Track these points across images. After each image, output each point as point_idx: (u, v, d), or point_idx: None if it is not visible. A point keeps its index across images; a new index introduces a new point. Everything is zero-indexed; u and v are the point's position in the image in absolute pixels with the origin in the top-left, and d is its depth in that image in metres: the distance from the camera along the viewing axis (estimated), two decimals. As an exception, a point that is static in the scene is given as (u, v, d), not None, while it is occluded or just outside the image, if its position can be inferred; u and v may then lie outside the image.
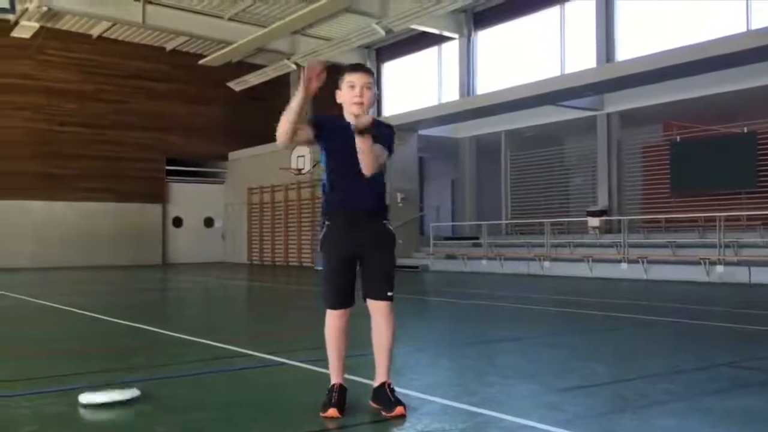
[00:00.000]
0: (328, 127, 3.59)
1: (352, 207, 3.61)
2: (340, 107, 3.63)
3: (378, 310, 3.64)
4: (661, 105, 16.72)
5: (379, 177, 3.60)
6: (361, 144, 3.38)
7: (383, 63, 25.10)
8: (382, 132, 3.53)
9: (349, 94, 3.54)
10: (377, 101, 24.99)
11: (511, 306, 9.80)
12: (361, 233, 3.60)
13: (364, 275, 3.66)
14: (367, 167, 3.46)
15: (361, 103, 3.51)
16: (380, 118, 3.77)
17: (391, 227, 3.72)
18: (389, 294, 3.63)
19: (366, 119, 3.35)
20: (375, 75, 3.65)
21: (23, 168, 22.92)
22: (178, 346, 6.14)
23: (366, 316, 3.68)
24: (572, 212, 19.19)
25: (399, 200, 20.07)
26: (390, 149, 3.61)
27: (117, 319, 8.00)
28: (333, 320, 3.66)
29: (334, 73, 3.49)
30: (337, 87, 3.61)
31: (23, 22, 21.75)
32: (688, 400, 3.88)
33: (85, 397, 3.79)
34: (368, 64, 24.66)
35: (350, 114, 3.56)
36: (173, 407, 3.79)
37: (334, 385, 3.63)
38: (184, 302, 11.75)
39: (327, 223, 3.67)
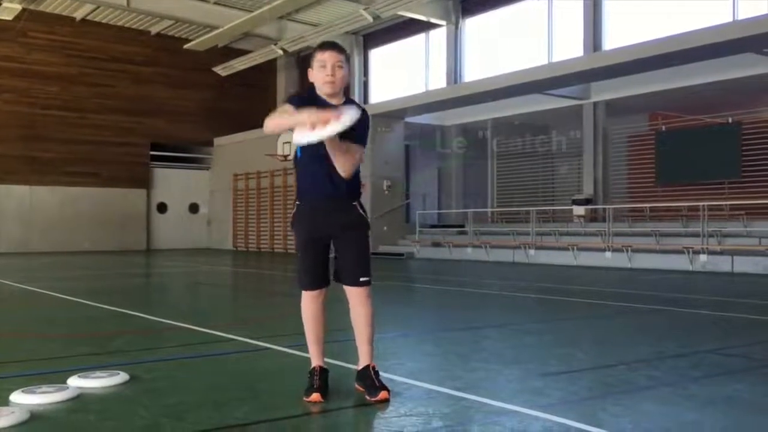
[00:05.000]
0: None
1: (320, 190, 3.55)
2: (312, 86, 3.59)
3: (354, 295, 3.61)
4: (647, 95, 16.78)
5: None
6: (331, 147, 3.35)
7: (370, 50, 24.98)
8: (360, 124, 3.38)
9: (320, 74, 3.49)
10: (364, 88, 24.90)
11: (496, 293, 9.83)
12: (329, 216, 3.55)
13: (338, 260, 3.63)
14: (343, 170, 3.44)
15: (333, 82, 3.48)
16: (354, 99, 3.66)
17: (362, 211, 3.65)
18: (362, 279, 3.58)
19: (348, 118, 3.19)
20: (347, 54, 3.58)
21: (5, 151, 22.65)
22: (162, 330, 6.12)
23: (347, 299, 3.66)
24: (558, 201, 19.25)
25: (385, 188, 20.05)
26: (364, 142, 3.52)
27: (101, 304, 7.95)
28: (307, 301, 3.65)
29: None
30: (309, 66, 3.57)
31: (5, 4, 21.45)
32: (672, 386, 3.89)
33: (74, 381, 3.78)
34: (355, 51, 24.58)
35: (323, 94, 3.53)
36: (157, 391, 3.76)
37: (315, 368, 3.61)
38: (169, 288, 11.69)
39: (297, 202, 3.64)
